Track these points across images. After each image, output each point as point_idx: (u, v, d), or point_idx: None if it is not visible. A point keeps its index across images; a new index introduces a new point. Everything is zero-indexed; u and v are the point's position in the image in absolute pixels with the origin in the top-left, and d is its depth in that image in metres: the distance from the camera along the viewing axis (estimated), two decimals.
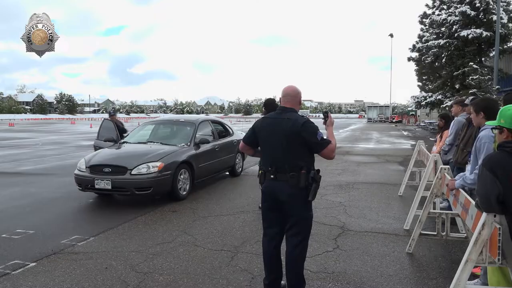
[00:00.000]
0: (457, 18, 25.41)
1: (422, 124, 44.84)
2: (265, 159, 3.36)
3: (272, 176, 3.23)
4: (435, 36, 28.23)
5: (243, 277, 3.83)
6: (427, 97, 29.36)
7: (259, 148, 3.49)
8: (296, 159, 3.17)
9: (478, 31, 24.36)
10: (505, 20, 24.05)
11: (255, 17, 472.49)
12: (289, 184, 3.15)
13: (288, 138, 3.17)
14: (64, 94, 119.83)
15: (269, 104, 5.96)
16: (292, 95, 3.35)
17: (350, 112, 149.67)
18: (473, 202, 2.91)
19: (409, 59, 32.54)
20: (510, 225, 2.42)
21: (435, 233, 4.20)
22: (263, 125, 3.40)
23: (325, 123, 3.45)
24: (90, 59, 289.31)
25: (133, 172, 6.49)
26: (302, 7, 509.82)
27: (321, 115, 3.45)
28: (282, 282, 3.41)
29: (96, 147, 8.82)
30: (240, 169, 9.86)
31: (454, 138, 5.53)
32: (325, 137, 3.23)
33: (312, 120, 3.33)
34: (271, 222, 3.35)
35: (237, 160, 9.63)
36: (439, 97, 28.01)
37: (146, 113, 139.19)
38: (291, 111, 3.29)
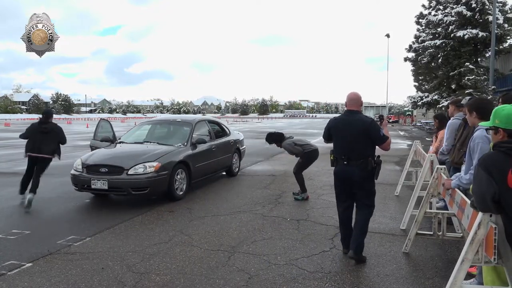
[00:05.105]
0: (453, 18, 25.50)
1: (418, 124, 45.00)
2: (338, 148, 4.29)
3: (345, 162, 4.17)
4: (431, 37, 28.31)
5: (240, 277, 3.83)
6: (424, 97, 29.44)
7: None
8: (364, 149, 4.13)
9: (474, 31, 24.46)
10: (500, 21, 24.15)
11: (253, 17, 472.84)
12: (359, 168, 4.10)
13: (359, 133, 4.10)
14: (60, 94, 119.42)
15: None
16: (356, 100, 4.29)
17: None
18: (469, 202, 2.92)
19: (406, 59, 32.63)
20: (505, 225, 2.43)
21: (432, 232, 4.22)
22: (336, 123, 4.36)
23: (381, 124, 4.41)
24: (87, 59, 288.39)
25: (130, 172, 6.47)
26: (301, 8, 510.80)
27: (377, 118, 4.55)
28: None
29: (93, 147, 8.79)
30: (237, 169, 9.86)
31: (451, 141, 5.50)
32: (383, 134, 4.19)
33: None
34: (342, 195, 4.36)
35: (234, 160, 9.63)
36: (435, 97, 28.09)
37: (143, 113, 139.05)
38: (358, 113, 4.27)
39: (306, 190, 7.21)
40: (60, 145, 7.12)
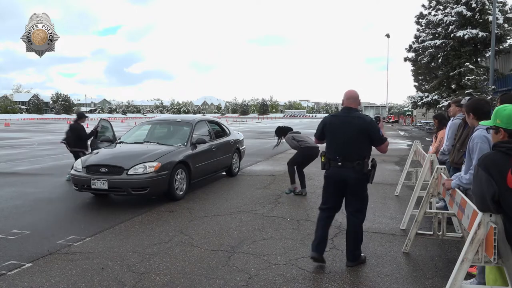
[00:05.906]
0: (453, 18, 25.52)
1: (418, 124, 45.00)
2: (332, 148, 4.04)
3: (339, 164, 3.93)
4: (431, 37, 28.35)
5: (239, 277, 3.83)
6: (424, 97, 29.48)
7: None
8: (361, 149, 3.92)
9: (474, 31, 24.48)
10: (500, 21, 24.17)
11: (253, 17, 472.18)
12: (355, 170, 3.88)
13: (357, 132, 3.89)
14: (60, 94, 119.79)
15: None
16: (355, 97, 4.09)
17: None
18: (469, 202, 2.92)
19: (406, 59, 32.69)
20: (505, 225, 2.43)
21: (432, 232, 4.22)
22: (333, 120, 4.12)
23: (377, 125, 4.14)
24: (86, 59, 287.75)
25: (130, 172, 6.47)
26: (301, 7, 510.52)
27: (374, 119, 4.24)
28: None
29: (93, 147, 8.79)
30: (237, 169, 9.86)
31: (452, 141, 5.52)
32: (382, 135, 4.01)
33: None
34: (330, 199, 4.12)
35: (234, 160, 9.63)
36: (435, 97, 28.12)
37: (143, 113, 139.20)
38: (357, 111, 4.08)
39: (295, 182, 7.50)
40: (87, 140, 9.02)
